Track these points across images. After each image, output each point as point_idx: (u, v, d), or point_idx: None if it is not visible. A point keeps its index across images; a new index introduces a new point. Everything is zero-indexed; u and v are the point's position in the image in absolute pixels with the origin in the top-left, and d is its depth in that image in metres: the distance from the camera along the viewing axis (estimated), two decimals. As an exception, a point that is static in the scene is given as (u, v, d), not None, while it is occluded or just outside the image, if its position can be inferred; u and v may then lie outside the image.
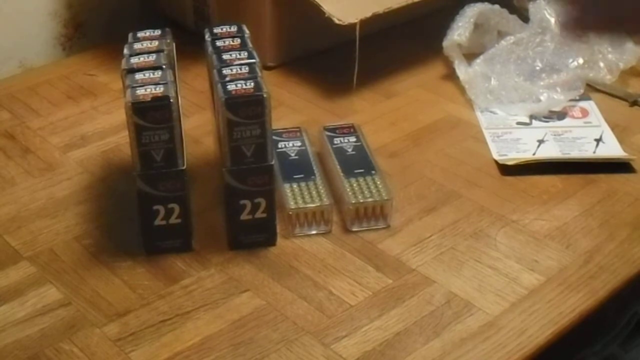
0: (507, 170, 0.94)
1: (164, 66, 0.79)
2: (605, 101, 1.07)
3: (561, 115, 1.04)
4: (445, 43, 1.10)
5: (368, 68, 1.10)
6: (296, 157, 0.91)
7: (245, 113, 0.76)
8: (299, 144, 0.93)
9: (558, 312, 0.75)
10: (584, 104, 1.06)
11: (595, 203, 0.89)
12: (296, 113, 1.06)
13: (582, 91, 1.06)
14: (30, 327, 0.74)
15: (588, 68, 1.08)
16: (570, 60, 1.09)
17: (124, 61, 0.80)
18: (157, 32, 0.85)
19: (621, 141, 0.99)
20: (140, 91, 0.75)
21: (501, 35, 1.13)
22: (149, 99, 0.75)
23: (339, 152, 0.92)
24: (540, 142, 0.99)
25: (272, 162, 0.79)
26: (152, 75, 0.78)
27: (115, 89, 1.10)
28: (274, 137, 0.90)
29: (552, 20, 1.10)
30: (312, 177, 0.88)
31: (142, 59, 0.80)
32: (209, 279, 0.80)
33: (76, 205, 0.90)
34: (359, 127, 0.96)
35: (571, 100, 1.05)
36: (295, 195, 0.85)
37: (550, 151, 0.97)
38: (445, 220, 0.87)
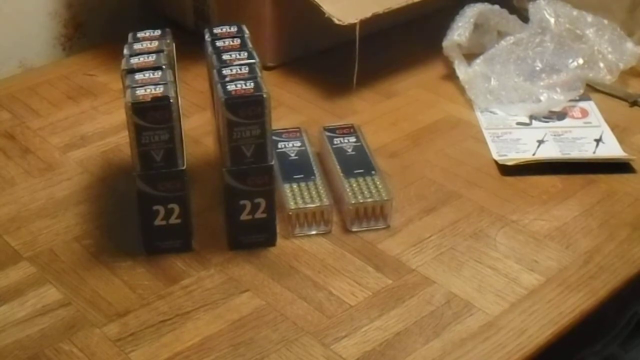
0: (507, 170, 0.94)
1: (163, 66, 0.79)
2: (605, 101, 1.07)
3: (561, 115, 1.04)
4: (445, 43, 1.10)
5: (368, 68, 1.10)
6: (296, 157, 0.91)
7: (245, 113, 0.76)
8: (298, 144, 0.93)
9: (558, 312, 0.75)
10: (583, 104, 1.06)
11: (595, 203, 0.89)
12: (296, 113, 1.06)
13: (582, 91, 1.06)
14: (30, 327, 0.74)
15: (588, 68, 1.08)
16: (570, 61, 1.09)
17: (123, 61, 0.80)
18: (157, 33, 0.86)
19: (621, 141, 0.99)
20: (140, 91, 0.75)
21: (501, 35, 1.13)
22: (149, 99, 0.75)
23: (339, 152, 0.92)
24: (540, 142, 0.99)
25: (272, 163, 0.79)
26: (152, 76, 0.78)
27: (115, 89, 1.10)
28: (274, 138, 0.90)
29: (552, 20, 1.10)
30: (312, 177, 0.88)
31: (142, 59, 0.80)
32: (209, 279, 0.80)
33: (76, 206, 0.90)
34: (359, 127, 0.96)
35: (571, 100, 1.06)
36: (295, 196, 0.85)
37: (550, 151, 0.97)
38: (445, 221, 0.87)
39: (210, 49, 0.83)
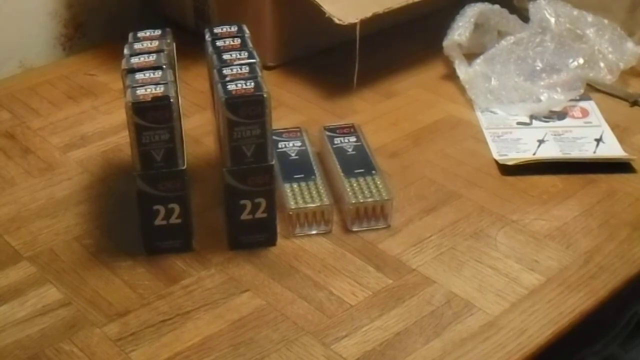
0: (507, 170, 0.94)
1: (164, 66, 0.79)
2: (606, 101, 1.07)
3: (561, 115, 1.04)
4: (446, 43, 1.10)
5: (368, 68, 1.10)
6: (296, 157, 0.91)
7: (245, 113, 0.76)
8: (299, 144, 0.93)
9: (558, 312, 0.75)
10: (584, 104, 1.06)
11: (595, 203, 0.89)
12: (296, 113, 1.06)
13: (582, 91, 1.06)
14: (30, 327, 0.74)
15: (588, 68, 1.08)
16: (571, 60, 1.09)
17: (124, 61, 0.80)
18: (158, 32, 0.86)
19: (621, 141, 0.99)
20: (140, 91, 0.75)
21: (501, 35, 1.13)
22: (149, 99, 0.75)
23: (339, 152, 0.92)
24: (541, 142, 0.99)
25: (273, 162, 0.79)
26: (152, 75, 0.78)
27: (116, 88, 1.10)
28: (274, 137, 0.90)
29: (552, 20, 1.10)
30: (313, 177, 0.88)
31: (142, 59, 0.80)
32: (209, 279, 0.80)
33: (76, 205, 0.90)
34: (359, 127, 0.96)
35: (571, 100, 1.06)
36: (295, 195, 0.85)
37: (551, 151, 0.97)
38: (445, 220, 0.87)
39: (210, 48, 0.83)
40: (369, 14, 1.02)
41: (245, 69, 0.79)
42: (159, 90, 0.75)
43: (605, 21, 1.11)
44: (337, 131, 0.95)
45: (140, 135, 0.76)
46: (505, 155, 0.96)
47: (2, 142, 1.02)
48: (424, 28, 1.20)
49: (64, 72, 1.18)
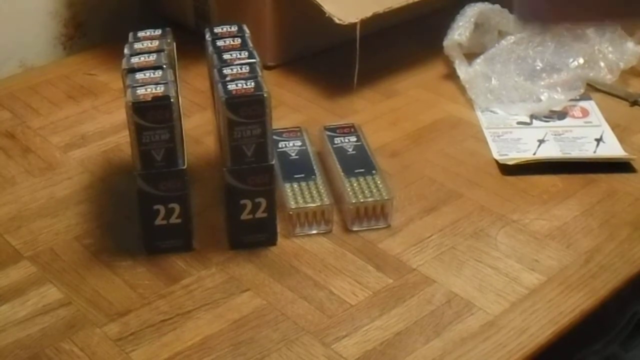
0: (508, 170, 0.94)
1: (164, 66, 0.79)
2: (606, 101, 1.07)
3: (561, 115, 1.04)
4: (446, 43, 1.10)
5: (368, 68, 1.10)
6: (297, 156, 0.91)
7: (245, 113, 0.76)
8: (299, 143, 0.93)
9: (558, 311, 0.75)
10: (584, 103, 1.06)
11: (596, 203, 0.89)
12: (296, 113, 1.06)
13: (582, 91, 1.06)
14: (30, 326, 0.75)
15: (588, 68, 1.08)
16: (571, 60, 1.09)
17: (124, 61, 0.80)
18: (158, 32, 0.86)
19: (621, 141, 0.99)
20: (140, 91, 0.75)
21: (501, 35, 1.13)
22: (150, 99, 0.75)
23: (340, 151, 0.92)
24: (541, 141, 0.99)
25: (273, 162, 0.79)
26: (152, 75, 0.78)
27: (116, 88, 1.10)
28: (275, 137, 0.90)
29: (553, 20, 1.10)
30: (313, 176, 0.88)
31: (142, 58, 0.80)
32: (210, 279, 0.80)
33: (76, 205, 0.90)
34: (360, 126, 0.96)
35: (571, 100, 1.06)
36: (295, 195, 0.85)
37: (551, 151, 0.97)
38: (445, 220, 0.87)
39: (210, 48, 0.83)
40: (369, 14, 1.02)
41: (246, 69, 0.79)
42: (159, 90, 0.76)
43: (606, 21, 1.11)
44: (338, 131, 0.95)
45: (141, 134, 0.76)
46: (506, 155, 0.96)
47: (2, 142, 1.02)
48: (424, 28, 1.20)
49: (64, 71, 1.18)
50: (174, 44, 0.86)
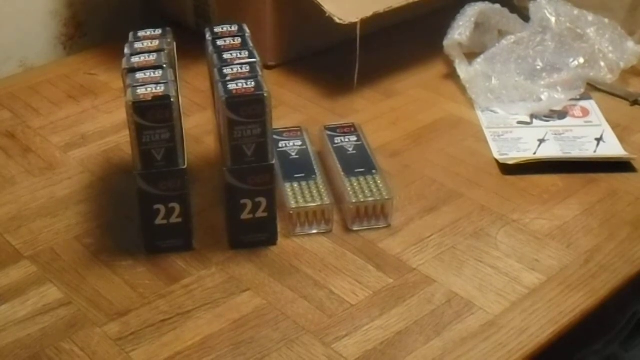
0: (508, 169, 0.94)
1: (164, 65, 0.79)
2: (606, 100, 1.07)
3: (562, 114, 1.04)
4: (446, 42, 1.10)
5: (369, 67, 1.10)
6: (297, 156, 0.91)
7: (245, 112, 0.76)
8: (299, 143, 0.93)
9: (559, 311, 0.75)
10: (584, 103, 1.06)
11: (596, 202, 0.89)
12: (297, 112, 1.06)
13: (582, 90, 1.06)
14: (31, 326, 0.74)
15: (589, 67, 1.08)
16: (571, 60, 1.09)
17: (124, 60, 0.80)
18: (158, 32, 0.86)
19: (622, 140, 0.99)
20: (141, 90, 0.75)
21: (502, 34, 1.13)
22: (150, 99, 0.75)
23: (340, 151, 0.92)
24: (541, 141, 0.99)
25: (273, 162, 0.79)
26: (152, 75, 0.78)
27: (116, 88, 1.10)
28: (275, 137, 0.90)
29: (553, 19, 1.10)
30: (313, 176, 0.88)
31: (142, 58, 0.80)
32: (210, 279, 0.80)
33: (77, 205, 0.90)
34: (360, 126, 0.96)
35: (572, 99, 1.06)
36: (296, 195, 0.85)
37: (551, 150, 0.97)
38: (445, 220, 0.87)
39: (211, 48, 0.83)
40: (369, 13, 1.02)
41: (246, 68, 0.79)
42: (160, 89, 0.76)
43: (606, 20, 1.11)
44: (338, 130, 0.95)
45: (141, 134, 0.76)
46: (506, 154, 0.96)
47: (2, 142, 1.02)
48: (425, 27, 1.20)
49: (65, 71, 1.18)
50: (174, 43, 0.86)
